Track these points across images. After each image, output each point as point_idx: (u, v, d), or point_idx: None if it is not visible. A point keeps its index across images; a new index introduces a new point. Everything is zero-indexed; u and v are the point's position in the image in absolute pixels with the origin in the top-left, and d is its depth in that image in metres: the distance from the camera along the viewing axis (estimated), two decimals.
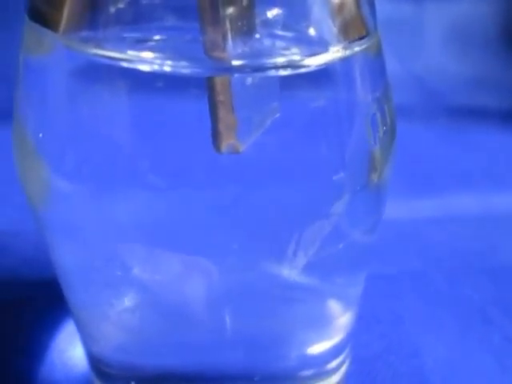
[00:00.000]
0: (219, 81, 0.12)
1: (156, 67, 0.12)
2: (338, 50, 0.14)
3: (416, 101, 0.43)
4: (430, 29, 0.52)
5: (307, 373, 0.19)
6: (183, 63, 0.12)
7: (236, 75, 0.13)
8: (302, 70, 0.13)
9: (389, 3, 0.50)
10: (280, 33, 0.14)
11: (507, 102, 0.43)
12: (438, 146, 0.37)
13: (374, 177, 0.15)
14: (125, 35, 0.13)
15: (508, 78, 0.46)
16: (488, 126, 0.39)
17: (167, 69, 0.12)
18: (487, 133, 0.39)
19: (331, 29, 0.14)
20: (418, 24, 0.52)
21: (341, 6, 0.14)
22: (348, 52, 0.14)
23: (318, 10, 0.14)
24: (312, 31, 0.14)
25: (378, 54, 0.15)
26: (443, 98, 0.43)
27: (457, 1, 0.54)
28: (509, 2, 0.55)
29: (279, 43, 0.14)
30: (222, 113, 0.12)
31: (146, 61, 0.12)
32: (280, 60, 0.13)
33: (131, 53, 0.13)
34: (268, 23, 0.14)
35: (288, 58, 0.13)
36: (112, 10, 0.13)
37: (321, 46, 0.14)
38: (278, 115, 0.13)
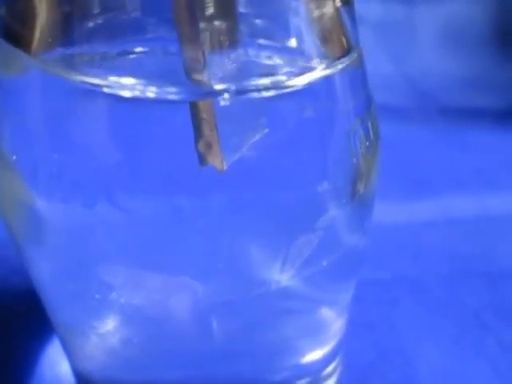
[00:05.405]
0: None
1: (137, 93, 0.12)
2: (322, 69, 0.13)
3: (410, 102, 0.42)
4: (423, 30, 0.52)
5: (300, 382, 0.18)
6: (165, 89, 0.12)
7: (219, 98, 0.12)
8: (286, 91, 0.13)
9: (382, 5, 0.50)
10: (262, 42, 0.14)
11: (501, 102, 0.43)
12: (432, 147, 0.37)
13: (359, 191, 0.15)
14: (103, 50, 0.13)
15: (502, 78, 0.46)
16: (482, 127, 0.39)
17: (150, 94, 0.12)
18: (481, 134, 0.38)
19: (314, 41, 0.14)
20: (411, 25, 0.52)
21: (320, 18, 0.13)
22: (332, 70, 0.13)
23: (298, 22, 0.13)
24: (294, 42, 0.14)
25: (361, 69, 0.15)
26: (437, 99, 0.43)
27: (450, 1, 0.53)
28: (502, 2, 0.55)
29: (263, 53, 0.14)
30: (206, 131, 0.12)
31: (127, 87, 0.12)
32: (264, 82, 0.13)
33: (112, 79, 0.12)
34: (250, 34, 0.14)
35: (272, 79, 0.13)
36: (89, 25, 0.12)
37: (303, 57, 0.14)
38: (266, 131, 0.13)
